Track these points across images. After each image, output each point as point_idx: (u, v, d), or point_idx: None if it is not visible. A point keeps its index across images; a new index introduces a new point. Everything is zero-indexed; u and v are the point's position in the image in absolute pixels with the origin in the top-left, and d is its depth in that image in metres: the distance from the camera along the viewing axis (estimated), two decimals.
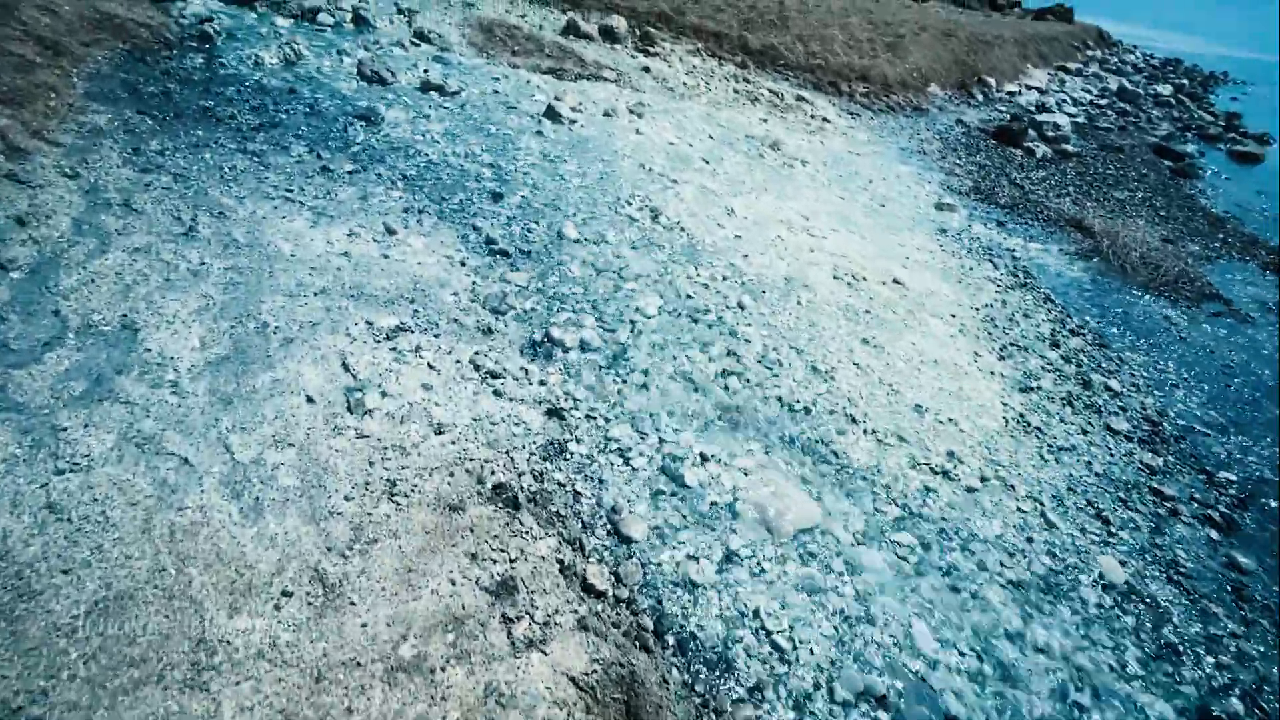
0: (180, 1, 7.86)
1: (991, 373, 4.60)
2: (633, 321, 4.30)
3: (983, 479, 3.69)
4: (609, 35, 11.37)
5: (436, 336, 3.65)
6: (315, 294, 3.66)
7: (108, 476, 2.30)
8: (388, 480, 2.65)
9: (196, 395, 2.77)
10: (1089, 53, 26.00)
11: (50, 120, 4.54)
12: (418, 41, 8.79)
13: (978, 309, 5.53)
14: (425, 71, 7.77)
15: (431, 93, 7.22)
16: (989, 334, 5.16)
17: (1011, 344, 5.09)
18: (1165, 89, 22.89)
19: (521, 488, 2.88)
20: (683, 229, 5.52)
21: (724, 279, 5.00)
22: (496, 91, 7.73)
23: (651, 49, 11.37)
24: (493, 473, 2.89)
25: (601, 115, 7.89)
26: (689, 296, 4.71)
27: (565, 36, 10.71)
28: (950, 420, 4.01)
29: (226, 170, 4.63)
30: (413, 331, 3.62)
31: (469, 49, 9.10)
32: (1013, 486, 3.68)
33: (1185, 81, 26.46)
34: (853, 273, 5.46)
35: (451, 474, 2.80)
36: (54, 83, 5.01)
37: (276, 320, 3.36)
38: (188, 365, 2.91)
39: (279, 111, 5.79)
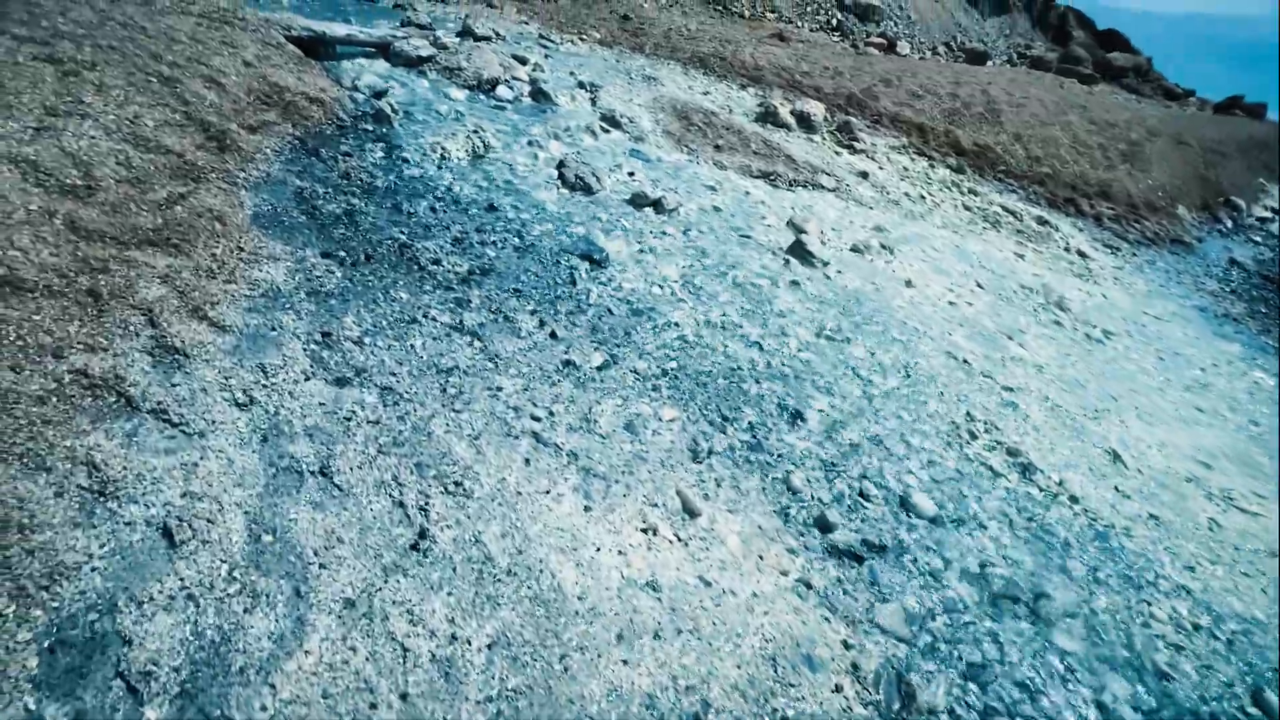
0: (349, 63, 6.95)
1: None
2: None
3: None
4: (804, 123, 10.06)
5: None
6: None
7: None
8: None
9: None
10: None
11: (215, 279, 3.27)
12: (608, 128, 7.61)
13: None
14: (630, 175, 6.50)
15: (646, 209, 5.89)
16: None
17: None
18: None
19: None
20: (1073, 498, 3.79)
21: (1193, 627, 3.21)
22: (718, 209, 6.35)
23: (856, 144, 9.95)
24: None
25: (849, 251, 6.37)
26: (1162, 676, 2.94)
27: (763, 125, 9.42)
28: None
29: (449, 375, 3.23)
30: None
31: (665, 139, 7.85)
32: None
33: None
34: None
35: None
36: (219, 206, 3.81)
37: None
38: None
39: (485, 245, 4.49)
